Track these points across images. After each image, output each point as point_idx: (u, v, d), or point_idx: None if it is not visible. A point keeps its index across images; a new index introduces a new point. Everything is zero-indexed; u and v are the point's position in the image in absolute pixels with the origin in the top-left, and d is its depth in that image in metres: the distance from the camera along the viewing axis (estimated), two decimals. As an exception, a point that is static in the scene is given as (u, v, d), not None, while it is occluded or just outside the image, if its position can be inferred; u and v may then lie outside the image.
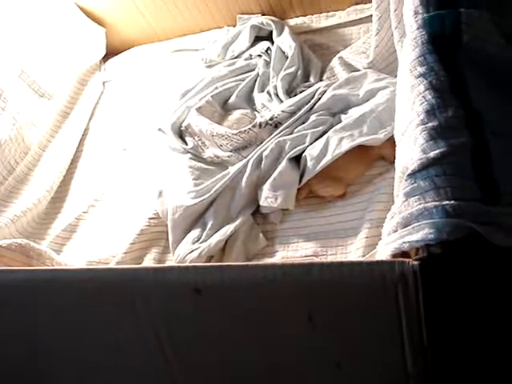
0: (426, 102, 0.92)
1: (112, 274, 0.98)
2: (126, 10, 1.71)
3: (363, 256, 1.17)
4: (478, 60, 1.02)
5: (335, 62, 1.45)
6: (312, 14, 1.61)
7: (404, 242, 0.83)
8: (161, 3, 1.68)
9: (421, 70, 0.96)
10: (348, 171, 1.28)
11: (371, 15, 1.50)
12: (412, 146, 0.92)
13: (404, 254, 0.86)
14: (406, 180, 0.88)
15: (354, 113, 1.30)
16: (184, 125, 1.45)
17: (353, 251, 1.20)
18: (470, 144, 0.91)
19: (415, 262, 0.81)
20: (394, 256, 0.86)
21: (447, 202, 0.83)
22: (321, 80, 1.46)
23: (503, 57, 1.04)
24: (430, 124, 0.90)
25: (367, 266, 0.84)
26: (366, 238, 1.19)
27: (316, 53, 1.52)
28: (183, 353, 0.98)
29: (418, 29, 0.99)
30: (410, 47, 0.99)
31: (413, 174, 0.87)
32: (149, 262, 1.33)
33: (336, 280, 0.84)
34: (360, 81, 1.35)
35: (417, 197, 0.86)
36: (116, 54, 1.80)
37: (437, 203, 0.83)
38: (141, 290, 0.95)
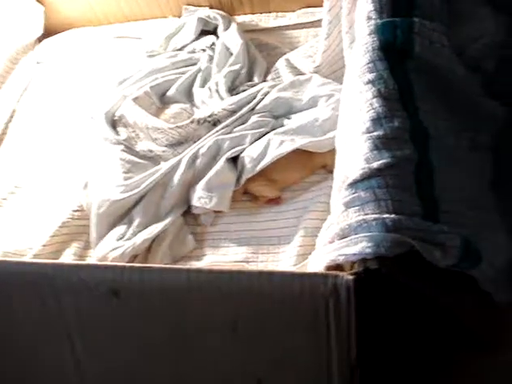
0: (372, 110, 0.88)
1: (23, 267, 0.90)
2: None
3: (295, 265, 1.13)
4: (428, 72, 1.00)
5: (281, 64, 1.40)
6: (261, 13, 1.56)
7: (340, 255, 0.79)
8: (105, -16, 1.59)
9: (370, 76, 0.92)
10: (285, 175, 1.23)
11: (321, 19, 1.48)
12: (355, 154, 0.88)
13: (339, 266, 0.82)
14: (346, 189, 0.83)
15: (297, 119, 1.26)
16: (118, 114, 1.37)
17: (285, 259, 1.15)
18: (414, 158, 0.88)
19: (349, 277, 0.76)
20: (328, 268, 0.81)
21: (387, 215, 0.79)
22: (265, 80, 1.41)
23: (453, 71, 1.02)
24: (375, 133, 0.86)
25: (298, 278, 0.79)
26: (300, 246, 1.15)
27: (262, 52, 1.47)
28: (95, 355, 0.90)
29: (369, 34, 0.95)
30: (360, 53, 0.95)
31: (354, 184, 0.83)
32: (68, 256, 1.24)
33: (265, 290, 0.79)
34: (305, 85, 1.31)
35: (356, 207, 0.82)
36: (53, 35, 1.69)
37: (377, 216, 0.79)
38: (53, 287, 0.87)
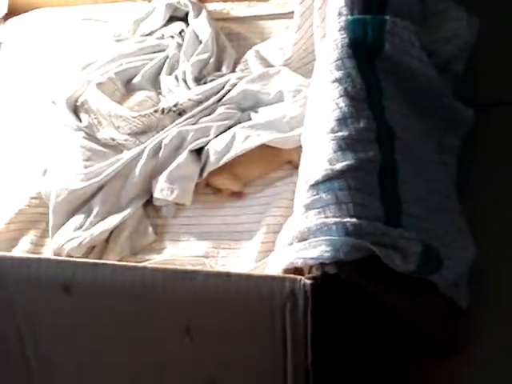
0: (338, 110, 0.87)
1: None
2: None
3: (256, 262, 1.11)
4: (398, 72, 0.99)
5: (250, 55, 1.37)
6: (233, 1, 1.53)
7: (298, 258, 0.77)
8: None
9: (337, 74, 0.90)
10: (249, 169, 1.21)
11: (293, 12, 1.45)
12: (318, 155, 0.86)
13: (297, 270, 0.81)
14: (307, 191, 0.82)
15: (264, 113, 1.23)
16: (81, 100, 1.32)
17: (246, 256, 1.13)
18: (379, 160, 0.87)
19: (307, 281, 0.75)
20: (286, 271, 0.80)
21: (348, 219, 0.78)
22: (233, 71, 1.38)
23: (423, 72, 1.01)
24: (339, 133, 0.85)
25: (256, 280, 0.77)
26: (262, 243, 1.12)
27: (232, 42, 1.44)
28: (43, 350, 0.88)
29: (339, 31, 0.94)
30: (329, 49, 0.93)
31: (315, 185, 0.82)
32: (25, 244, 1.20)
33: (221, 291, 0.77)
34: (272, 78, 1.28)
35: (317, 210, 0.80)
36: (17, 14, 1.63)
37: (337, 220, 0.78)
38: (4, 281, 0.84)
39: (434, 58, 1.05)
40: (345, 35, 0.93)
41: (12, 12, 1.63)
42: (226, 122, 1.22)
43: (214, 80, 1.32)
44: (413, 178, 0.95)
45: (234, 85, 1.27)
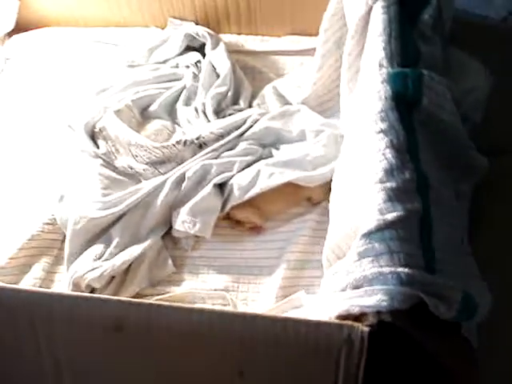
0: (385, 161, 0.90)
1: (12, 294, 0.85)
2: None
3: (276, 298, 1.13)
4: (431, 124, 1.02)
5: (268, 91, 1.40)
6: (247, 34, 1.55)
7: (354, 305, 0.80)
8: (88, -15, 1.52)
9: (382, 125, 0.94)
10: (271, 204, 1.23)
11: (307, 49, 1.49)
12: (367, 203, 0.89)
13: (350, 316, 0.83)
14: (360, 239, 0.85)
15: (287, 151, 1.26)
16: (98, 126, 1.32)
17: (266, 291, 1.15)
18: (420, 210, 0.91)
19: (365, 328, 0.77)
20: (338, 317, 0.82)
21: (401, 268, 0.81)
22: (250, 105, 1.40)
23: (453, 126, 1.05)
24: (388, 184, 0.88)
25: (314, 326, 0.79)
26: (282, 279, 1.15)
27: (247, 75, 1.46)
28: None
29: (382, 83, 0.97)
30: (372, 99, 0.97)
31: (368, 235, 0.84)
32: (37, 271, 1.18)
33: (278, 336, 0.79)
34: (294, 116, 1.31)
35: (370, 258, 0.83)
36: (25, 31, 1.61)
37: (392, 269, 0.81)
38: (46, 318, 0.83)
39: (459, 110, 1.10)
40: (388, 87, 0.96)
41: (19, 28, 1.60)
42: (249, 157, 1.24)
43: (233, 114, 1.34)
44: (441, 225, 0.99)
45: (256, 121, 1.29)
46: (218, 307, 1.13)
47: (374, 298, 0.79)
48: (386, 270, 0.80)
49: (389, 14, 1.06)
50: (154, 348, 0.82)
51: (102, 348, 0.84)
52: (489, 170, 1.25)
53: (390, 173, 0.89)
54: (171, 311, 0.81)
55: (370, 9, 1.10)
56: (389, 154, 0.91)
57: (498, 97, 1.35)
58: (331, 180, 1.21)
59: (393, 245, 0.83)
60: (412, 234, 0.88)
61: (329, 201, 1.21)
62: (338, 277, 0.87)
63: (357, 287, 0.82)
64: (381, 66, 1.00)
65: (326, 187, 1.21)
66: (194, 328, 0.79)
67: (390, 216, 0.85)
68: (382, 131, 0.93)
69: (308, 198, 1.24)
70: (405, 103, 0.98)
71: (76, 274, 1.13)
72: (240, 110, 1.36)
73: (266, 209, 1.22)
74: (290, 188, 1.21)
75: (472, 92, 1.17)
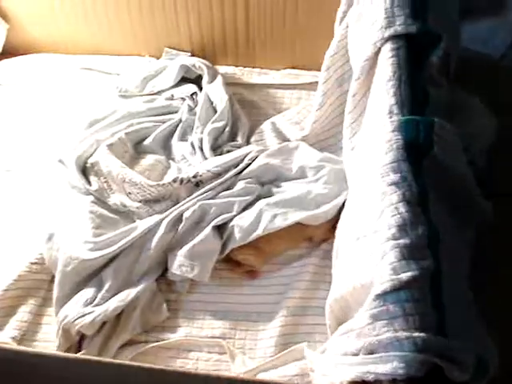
0: (398, 216, 0.87)
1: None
2: (38, 7, 1.48)
3: (276, 346, 1.09)
4: (440, 173, 0.99)
5: (266, 127, 1.36)
6: (244, 67, 1.52)
7: (369, 372, 0.76)
8: (80, 11, 1.47)
9: (394, 177, 0.90)
10: (273, 244, 1.18)
11: (306, 83, 1.46)
12: (379, 260, 0.85)
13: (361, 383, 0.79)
14: (373, 300, 0.81)
15: (287, 189, 1.22)
16: (90, 161, 1.26)
17: (264, 339, 1.10)
18: (432, 267, 0.87)
19: (382, 398, 0.74)
20: (352, 383, 0.78)
21: (417, 333, 0.78)
22: (247, 141, 1.36)
23: (460, 172, 1.02)
24: (401, 241, 0.85)
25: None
26: (281, 326, 1.10)
27: (244, 109, 1.42)
28: None
29: (393, 131, 0.94)
30: (382, 149, 0.93)
31: (383, 296, 0.81)
32: (23, 314, 1.12)
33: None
34: (292, 153, 1.27)
35: (385, 322, 0.79)
36: (13, 56, 1.55)
37: (408, 334, 0.77)
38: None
39: (467, 155, 1.08)
40: (399, 137, 0.93)
41: (7, 53, 1.54)
42: (248, 197, 1.20)
43: (230, 151, 1.30)
44: (449, 279, 0.96)
45: (254, 158, 1.25)
46: (214, 356, 1.09)
47: (389, 365, 0.75)
48: (402, 334, 0.77)
49: (398, 56, 1.04)
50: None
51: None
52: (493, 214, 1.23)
53: (403, 229, 0.86)
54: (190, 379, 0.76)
55: (378, 50, 1.07)
56: (402, 208, 0.87)
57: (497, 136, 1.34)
58: (332, 218, 1.18)
59: (408, 307, 0.80)
60: (425, 293, 0.84)
61: (329, 241, 1.18)
62: (348, 339, 0.83)
63: (371, 352, 0.78)
64: (391, 112, 0.97)
65: (328, 226, 1.18)
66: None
67: (405, 276, 0.81)
68: (393, 183, 0.90)
69: (309, 238, 1.20)
70: (416, 152, 0.95)
71: (66, 320, 1.07)
72: (238, 147, 1.32)
73: (267, 249, 1.18)
74: (293, 227, 1.17)
75: (478, 137, 1.14)
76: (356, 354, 0.80)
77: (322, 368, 0.88)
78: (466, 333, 0.92)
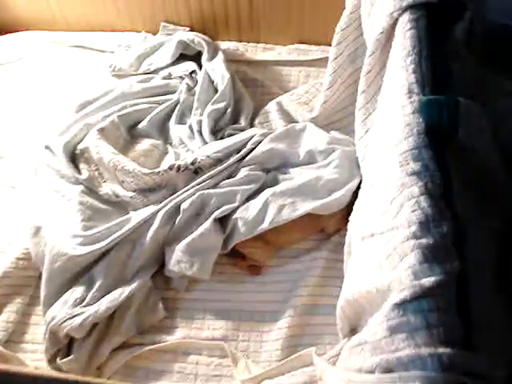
0: (420, 211, 0.77)
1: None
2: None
3: (282, 349, 1.00)
4: (467, 160, 0.89)
5: (272, 107, 1.25)
6: (248, 42, 1.40)
7: (387, 396, 0.66)
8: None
9: (415, 166, 0.80)
10: (282, 235, 1.09)
11: (316, 59, 1.35)
12: (397, 262, 0.75)
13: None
14: (392, 310, 0.71)
15: (295, 175, 1.11)
16: (80, 147, 1.16)
17: (270, 341, 1.01)
18: (458, 269, 0.77)
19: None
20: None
21: (442, 349, 0.68)
22: (251, 123, 1.25)
23: (489, 159, 0.92)
24: (423, 241, 0.74)
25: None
26: (288, 327, 1.01)
27: (247, 89, 1.31)
28: None
29: (413, 113, 0.83)
30: (401, 132, 0.83)
31: (402, 305, 0.71)
32: (10, 314, 1.05)
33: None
34: (299, 136, 1.16)
35: (404, 335, 0.69)
36: (2, 34, 1.45)
37: (431, 350, 0.67)
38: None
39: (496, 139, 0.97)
40: (420, 120, 0.82)
41: (-3, 31, 1.44)
42: (252, 185, 1.10)
43: (232, 134, 1.20)
44: (477, 282, 0.86)
45: (258, 142, 1.14)
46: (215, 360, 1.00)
47: (410, 388, 0.65)
48: (425, 351, 0.67)
49: (418, 28, 0.92)
50: None
51: None
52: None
53: (425, 226, 0.76)
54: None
55: (395, 22, 0.96)
56: (423, 202, 0.77)
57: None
58: (346, 206, 1.07)
59: (431, 317, 0.70)
60: (450, 301, 0.74)
61: (341, 233, 1.08)
62: (362, 352, 0.74)
63: (388, 370, 0.68)
64: (410, 92, 0.86)
65: (340, 215, 1.08)
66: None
67: (428, 281, 0.71)
68: (414, 173, 0.79)
69: (321, 229, 1.10)
70: (439, 137, 0.84)
71: (53, 321, 0.99)
72: (240, 130, 1.21)
73: (276, 242, 1.08)
74: (303, 218, 1.07)
75: (507, 118, 1.03)
76: (371, 372, 0.70)
77: (332, 383, 0.78)
78: (496, 342, 0.83)
